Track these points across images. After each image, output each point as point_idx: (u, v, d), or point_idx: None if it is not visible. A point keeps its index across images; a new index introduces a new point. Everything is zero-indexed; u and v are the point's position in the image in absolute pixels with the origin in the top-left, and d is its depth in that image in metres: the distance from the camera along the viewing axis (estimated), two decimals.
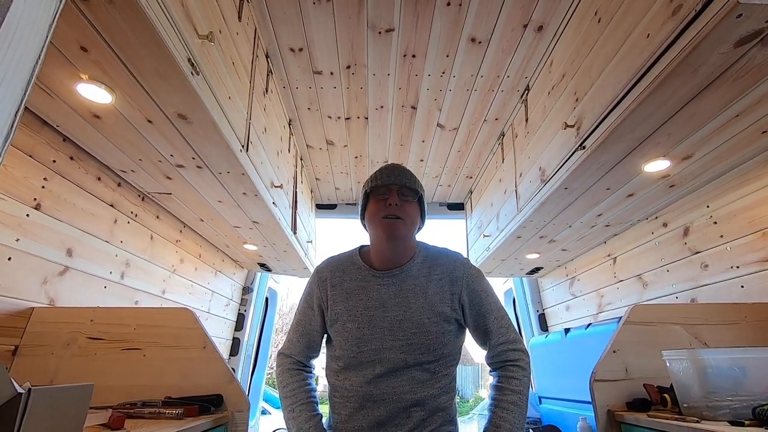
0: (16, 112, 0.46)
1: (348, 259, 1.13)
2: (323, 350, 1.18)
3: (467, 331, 1.12)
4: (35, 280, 1.26)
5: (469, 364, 16.68)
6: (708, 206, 1.62)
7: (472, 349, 17.19)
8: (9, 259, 1.16)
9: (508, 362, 1.04)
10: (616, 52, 1.18)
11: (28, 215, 1.22)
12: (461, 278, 1.07)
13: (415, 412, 0.99)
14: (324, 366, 1.14)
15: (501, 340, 1.05)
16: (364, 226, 1.14)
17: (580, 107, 1.39)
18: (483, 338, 1.08)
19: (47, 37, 0.49)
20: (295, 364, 1.13)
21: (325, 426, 1.05)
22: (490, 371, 1.11)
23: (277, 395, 1.14)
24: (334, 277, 1.10)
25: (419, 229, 1.14)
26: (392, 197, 1.04)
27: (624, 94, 1.13)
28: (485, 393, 14.84)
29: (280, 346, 1.17)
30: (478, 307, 1.06)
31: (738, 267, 1.48)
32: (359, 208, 1.15)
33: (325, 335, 1.13)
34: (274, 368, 1.15)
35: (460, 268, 1.08)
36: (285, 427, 1.08)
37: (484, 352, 1.11)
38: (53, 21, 0.49)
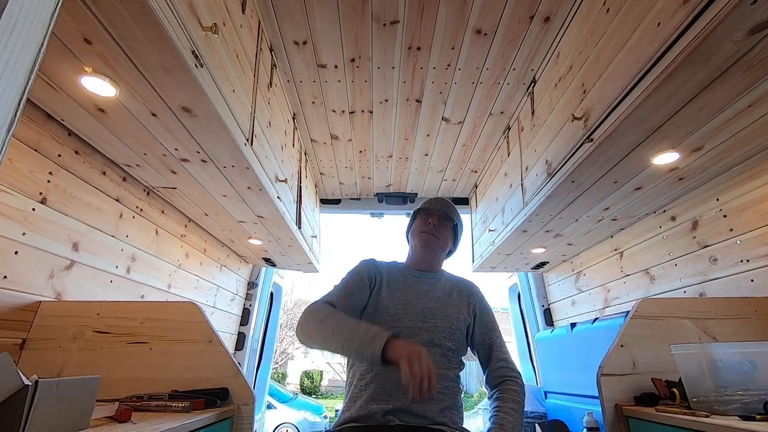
0: (19, 101, 0.45)
1: (391, 262, 1.38)
2: None
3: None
4: (42, 274, 1.27)
5: (473, 360, 16.68)
6: (717, 199, 1.59)
7: None
8: (16, 253, 1.17)
9: (507, 378, 1.22)
10: (625, 42, 1.16)
11: (34, 209, 1.22)
12: (476, 295, 1.33)
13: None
14: (341, 360, 1.20)
15: (502, 357, 1.25)
16: (407, 239, 1.45)
17: (587, 99, 1.37)
18: (486, 352, 1.27)
19: (50, 25, 0.48)
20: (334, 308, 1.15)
21: (341, 408, 1.16)
22: (490, 391, 1.25)
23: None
24: (382, 267, 1.32)
25: (450, 253, 1.43)
26: (433, 218, 1.35)
27: (633, 85, 1.12)
28: None
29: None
30: (487, 321, 1.29)
31: (748, 261, 1.46)
32: (408, 225, 1.47)
33: (360, 317, 1.23)
34: (304, 313, 1.13)
35: (476, 288, 1.36)
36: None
37: (484, 372, 1.27)
38: (56, 9, 0.49)
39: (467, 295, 1.32)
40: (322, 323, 1.06)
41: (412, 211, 1.46)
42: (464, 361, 1.26)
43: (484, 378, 1.27)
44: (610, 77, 1.23)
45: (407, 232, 1.46)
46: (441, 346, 1.18)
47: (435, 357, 1.16)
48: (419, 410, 1.09)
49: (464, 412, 1.19)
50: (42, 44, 0.48)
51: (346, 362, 1.27)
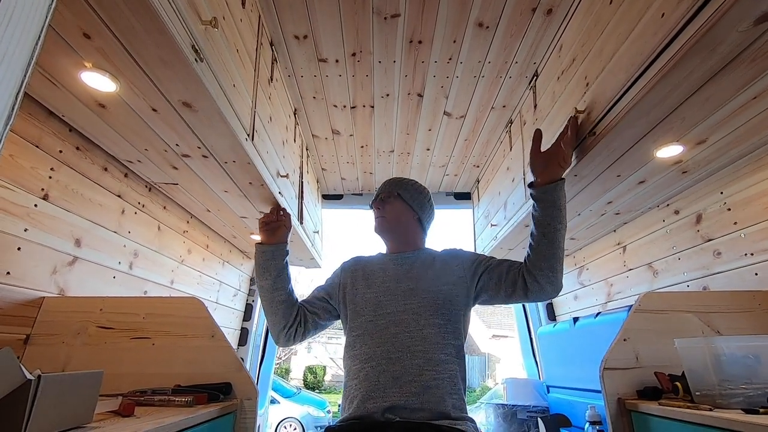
0: (17, 94, 0.45)
1: (376, 254, 1.40)
2: (338, 343, 1.27)
3: (473, 308, 1.27)
4: (45, 270, 1.27)
5: (475, 354, 16.75)
6: (722, 193, 1.58)
7: (478, 340, 17.25)
8: (18, 249, 1.17)
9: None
10: (629, 33, 1.14)
11: (36, 205, 1.22)
12: (461, 256, 1.29)
13: (427, 372, 1.10)
14: (342, 356, 1.23)
15: (513, 265, 1.25)
16: None
17: (590, 92, 1.35)
18: (504, 270, 1.23)
19: (47, 16, 0.48)
20: None
21: (339, 406, 1.18)
22: (521, 274, 1.22)
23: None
24: (360, 263, 1.35)
25: (420, 221, 1.37)
26: (375, 204, 1.36)
27: (637, 77, 1.10)
28: (492, 383, 14.91)
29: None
30: (483, 265, 1.26)
31: (752, 254, 1.45)
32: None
33: (344, 322, 1.29)
34: None
35: (459, 251, 1.32)
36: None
37: (510, 293, 1.21)
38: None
39: (451, 258, 1.28)
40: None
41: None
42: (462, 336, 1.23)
43: (521, 275, 1.20)
44: (614, 69, 1.22)
45: None
46: (430, 325, 1.16)
47: (426, 339, 1.14)
48: (416, 404, 1.07)
49: (467, 407, 1.19)
50: (39, 36, 0.48)
51: (343, 357, 1.28)
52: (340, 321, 1.35)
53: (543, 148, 1.31)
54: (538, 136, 1.31)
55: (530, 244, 1.21)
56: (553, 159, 1.26)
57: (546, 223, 1.18)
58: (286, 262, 1.36)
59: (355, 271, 1.33)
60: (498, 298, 1.25)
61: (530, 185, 1.24)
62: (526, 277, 1.20)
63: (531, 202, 1.27)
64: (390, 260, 1.31)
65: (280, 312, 1.27)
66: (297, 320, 1.28)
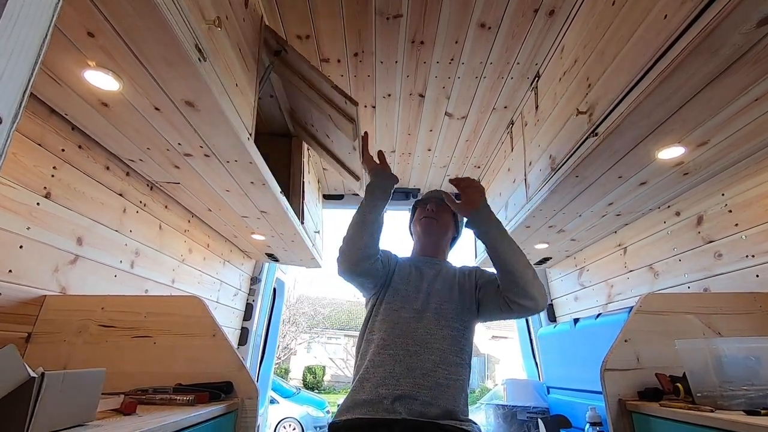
0: (24, 93, 0.45)
1: (406, 255, 1.47)
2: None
3: (478, 322, 1.33)
4: (47, 268, 1.28)
5: (475, 355, 16.71)
6: (723, 194, 1.58)
7: (478, 341, 17.24)
8: (20, 247, 1.17)
9: None
10: (632, 35, 1.14)
11: (38, 204, 1.23)
12: (475, 270, 1.39)
13: (441, 370, 1.15)
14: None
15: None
16: (411, 233, 1.52)
17: (592, 93, 1.36)
18: (491, 284, 1.29)
19: (53, 15, 0.48)
20: None
21: (351, 386, 1.20)
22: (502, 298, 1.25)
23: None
24: (395, 255, 1.43)
25: (454, 240, 1.50)
26: (432, 204, 1.43)
27: (639, 79, 1.10)
28: (491, 384, 14.90)
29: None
30: (484, 275, 1.37)
31: (753, 256, 1.45)
32: (410, 219, 1.53)
33: (374, 302, 1.31)
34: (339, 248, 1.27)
35: (474, 267, 1.42)
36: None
37: (505, 297, 1.24)
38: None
39: (469, 272, 1.38)
40: (352, 223, 1.25)
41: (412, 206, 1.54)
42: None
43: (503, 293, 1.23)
44: (616, 71, 1.22)
45: (410, 226, 1.53)
46: (450, 328, 1.22)
47: (444, 340, 1.19)
48: (427, 397, 1.10)
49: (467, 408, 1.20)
50: (46, 35, 0.48)
51: (356, 345, 1.31)
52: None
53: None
54: (450, 198, 1.39)
55: (495, 271, 1.26)
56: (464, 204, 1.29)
57: (493, 246, 1.22)
58: (391, 194, 1.32)
59: (395, 257, 1.40)
60: (495, 314, 1.29)
61: (467, 224, 1.31)
62: (507, 300, 1.23)
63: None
64: (420, 261, 1.39)
65: (376, 239, 1.25)
66: (379, 256, 1.28)
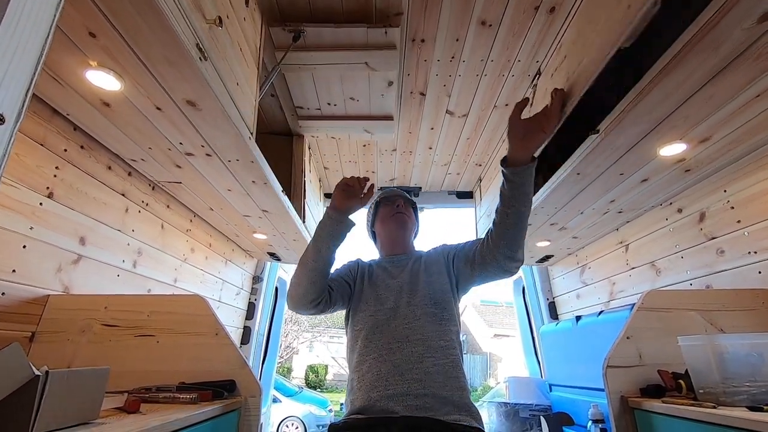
0: (26, 93, 0.45)
1: (371, 260, 1.48)
2: (340, 342, 1.27)
3: (462, 291, 1.32)
4: (50, 267, 1.28)
5: (477, 354, 16.75)
6: (725, 191, 1.58)
7: (480, 339, 17.24)
8: (24, 246, 1.18)
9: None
10: (605, 21, 1.14)
11: (41, 204, 1.23)
12: (441, 247, 1.40)
13: (427, 359, 1.14)
14: (344, 355, 1.25)
15: (476, 241, 1.27)
16: (372, 234, 1.53)
17: (571, 80, 1.35)
18: (469, 251, 1.26)
19: (55, 16, 0.48)
20: None
21: (344, 402, 1.20)
22: (486, 244, 1.20)
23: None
24: (364, 263, 1.44)
25: (415, 233, 1.53)
26: (399, 201, 1.47)
27: (610, 56, 1.11)
28: (493, 382, 14.90)
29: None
30: (451, 247, 1.37)
31: (756, 252, 1.45)
32: (370, 219, 1.52)
33: (348, 317, 1.33)
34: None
35: (440, 245, 1.43)
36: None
37: (480, 257, 1.21)
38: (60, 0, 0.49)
39: (436, 254, 1.37)
40: (299, 262, 1.24)
41: (373, 204, 1.53)
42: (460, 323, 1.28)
43: (480, 252, 1.20)
44: (590, 53, 1.21)
45: (371, 227, 1.52)
46: (426, 315, 1.21)
47: (424, 328, 1.18)
48: (419, 389, 1.08)
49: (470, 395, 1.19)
50: (47, 36, 0.48)
51: (346, 355, 1.30)
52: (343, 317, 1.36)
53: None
54: (521, 103, 1.20)
55: (494, 218, 1.17)
56: (535, 125, 1.16)
57: (511, 204, 1.13)
58: (344, 237, 1.26)
59: (362, 267, 1.41)
60: (475, 277, 1.26)
61: (502, 162, 1.15)
62: (485, 250, 1.18)
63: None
64: (388, 262, 1.41)
65: (318, 284, 1.21)
66: (324, 296, 1.24)
